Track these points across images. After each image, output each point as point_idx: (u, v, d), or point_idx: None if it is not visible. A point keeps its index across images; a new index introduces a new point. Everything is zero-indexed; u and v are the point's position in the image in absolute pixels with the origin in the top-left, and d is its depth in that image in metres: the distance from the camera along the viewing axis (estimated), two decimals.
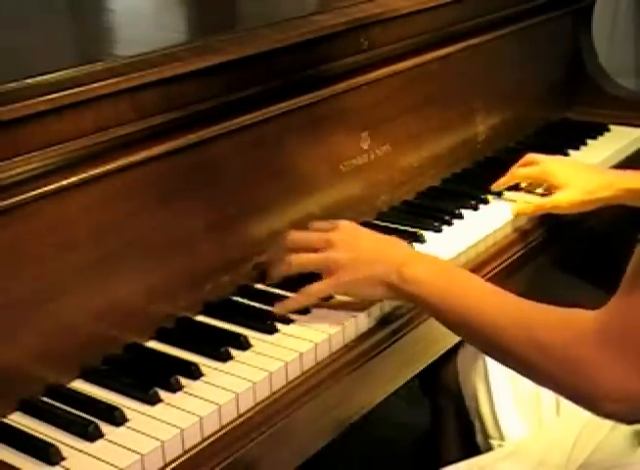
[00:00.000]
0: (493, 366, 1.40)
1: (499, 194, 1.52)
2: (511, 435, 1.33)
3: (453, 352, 1.42)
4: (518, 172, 1.51)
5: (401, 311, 1.20)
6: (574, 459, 1.18)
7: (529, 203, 1.47)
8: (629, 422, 0.96)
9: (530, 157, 1.52)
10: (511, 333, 0.97)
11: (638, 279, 0.90)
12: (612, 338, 0.89)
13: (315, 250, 1.14)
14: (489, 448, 1.36)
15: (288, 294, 1.20)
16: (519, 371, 1.01)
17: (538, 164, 1.49)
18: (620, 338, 0.89)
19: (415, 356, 1.24)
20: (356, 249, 1.12)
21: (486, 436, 1.37)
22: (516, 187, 1.54)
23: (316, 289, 1.13)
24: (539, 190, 1.53)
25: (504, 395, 1.34)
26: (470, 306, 1.02)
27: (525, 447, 1.26)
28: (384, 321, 1.18)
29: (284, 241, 1.18)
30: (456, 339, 1.28)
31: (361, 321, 1.15)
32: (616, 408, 0.90)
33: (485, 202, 1.50)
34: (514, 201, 1.49)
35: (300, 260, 1.14)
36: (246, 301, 1.21)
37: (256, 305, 1.19)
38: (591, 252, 1.57)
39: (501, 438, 1.34)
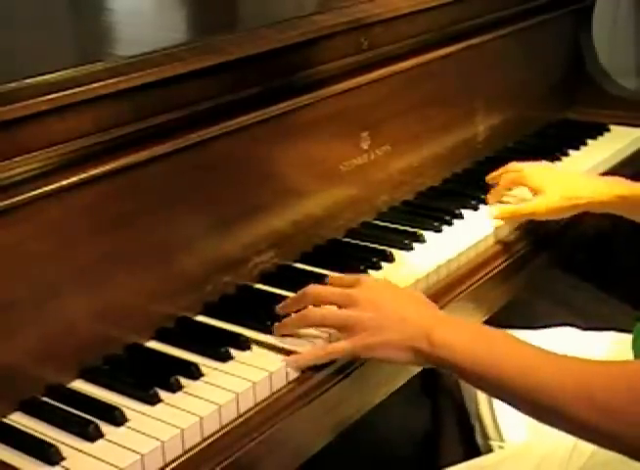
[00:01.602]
0: None
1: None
2: (511, 436, 1.33)
3: None
4: (505, 180, 1.47)
5: None
6: (575, 461, 1.18)
7: (507, 208, 1.44)
8: None
9: (511, 165, 1.49)
10: (564, 392, 0.91)
11: None
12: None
13: (337, 306, 1.08)
14: (489, 450, 1.36)
15: (288, 294, 1.20)
16: (573, 432, 0.95)
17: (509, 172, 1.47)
18: None
19: None
20: (381, 309, 1.04)
21: (486, 437, 1.37)
22: None
23: (338, 347, 1.06)
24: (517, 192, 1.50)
25: None
26: (510, 368, 0.96)
27: (525, 450, 1.26)
28: None
29: (303, 294, 1.11)
30: None
31: None
32: None
33: (486, 202, 1.50)
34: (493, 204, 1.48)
35: (321, 314, 1.07)
36: (246, 301, 1.21)
37: (256, 305, 1.19)
38: (591, 252, 1.57)
39: (501, 439, 1.35)
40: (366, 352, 1.05)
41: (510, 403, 1.00)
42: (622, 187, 1.37)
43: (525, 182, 1.44)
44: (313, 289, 1.10)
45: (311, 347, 1.08)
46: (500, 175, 1.49)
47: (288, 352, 1.08)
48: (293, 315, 1.11)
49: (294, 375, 1.06)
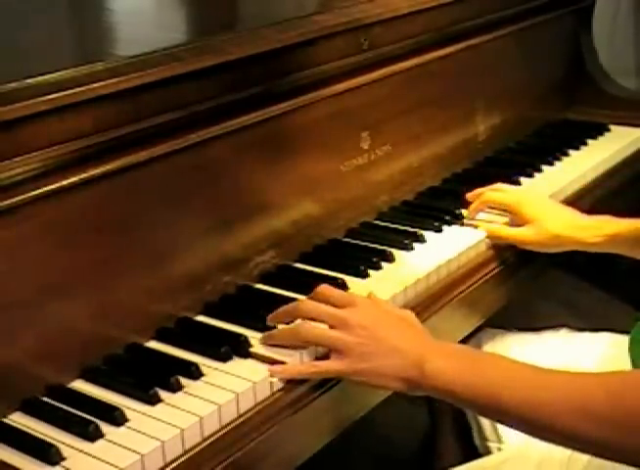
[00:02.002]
0: None
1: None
2: (509, 438, 1.33)
3: None
4: (491, 196, 1.44)
5: None
6: (574, 463, 1.18)
7: (495, 230, 1.41)
8: None
9: (499, 185, 1.47)
10: (562, 411, 0.92)
11: None
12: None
13: (329, 325, 1.06)
14: (488, 452, 1.36)
15: (288, 294, 1.20)
16: (570, 446, 0.96)
17: (508, 194, 1.44)
18: None
19: None
20: (373, 336, 1.03)
21: (484, 439, 1.37)
22: None
23: (325, 367, 1.05)
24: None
25: None
26: (506, 392, 0.96)
27: (524, 451, 1.26)
28: None
29: (295, 307, 1.10)
30: None
31: None
32: None
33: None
34: (489, 222, 1.44)
35: (313, 333, 1.06)
36: (246, 301, 1.21)
37: (257, 305, 1.19)
38: (591, 252, 1.56)
39: (499, 441, 1.34)
40: (354, 376, 1.04)
41: (507, 424, 1.00)
42: (612, 225, 1.34)
43: (518, 210, 1.40)
44: (306, 304, 1.09)
45: (300, 359, 1.07)
46: (480, 207, 1.46)
47: (288, 352, 1.07)
48: (282, 327, 1.10)
49: None
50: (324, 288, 1.11)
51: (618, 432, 0.89)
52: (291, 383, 1.05)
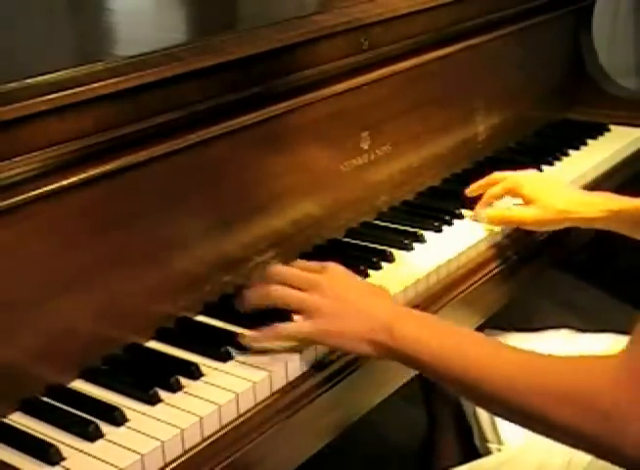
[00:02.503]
0: None
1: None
2: (509, 439, 1.33)
3: None
4: (491, 192, 1.44)
5: None
6: (574, 464, 1.18)
7: (496, 212, 1.42)
8: None
9: (496, 175, 1.46)
10: (522, 385, 0.91)
11: None
12: (636, 381, 0.85)
13: (300, 289, 1.07)
14: (488, 452, 1.36)
15: None
16: (530, 426, 0.95)
17: (505, 180, 1.43)
18: None
19: None
20: (343, 298, 1.04)
21: (484, 440, 1.37)
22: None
23: (294, 328, 1.05)
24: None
25: None
26: (471, 362, 0.96)
27: (524, 452, 1.26)
28: None
29: (268, 272, 1.11)
30: None
31: None
32: None
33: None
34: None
35: (282, 293, 1.07)
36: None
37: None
38: (591, 252, 1.57)
39: (499, 442, 1.34)
40: (322, 338, 1.04)
41: (469, 398, 1.01)
42: (613, 202, 1.35)
43: (518, 191, 1.40)
44: (278, 269, 1.11)
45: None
46: (484, 186, 1.46)
47: (288, 352, 1.07)
48: (252, 290, 1.11)
49: (294, 375, 1.06)
50: (297, 262, 1.14)
51: (578, 416, 0.88)
52: (290, 383, 1.05)
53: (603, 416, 0.86)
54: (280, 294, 1.07)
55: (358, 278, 1.13)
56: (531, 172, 1.49)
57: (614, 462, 0.89)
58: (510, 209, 1.43)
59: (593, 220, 1.36)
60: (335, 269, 1.10)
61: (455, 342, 0.99)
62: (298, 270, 1.10)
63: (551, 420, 0.89)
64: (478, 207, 1.45)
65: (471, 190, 1.48)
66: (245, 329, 1.12)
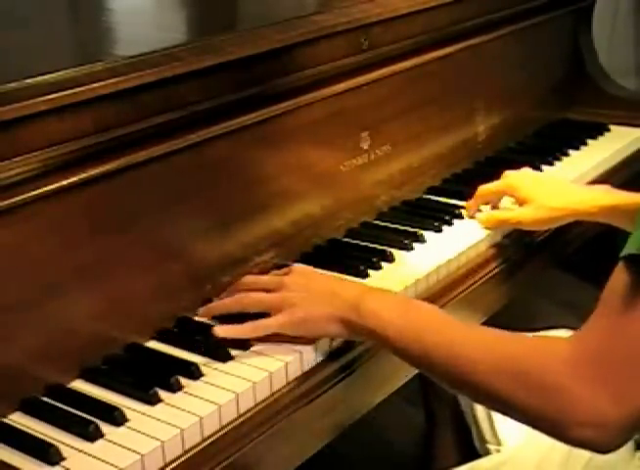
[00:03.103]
0: None
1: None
2: (507, 439, 1.33)
3: None
4: (483, 190, 1.44)
5: None
6: (572, 464, 1.18)
7: (493, 215, 1.42)
8: (602, 451, 0.89)
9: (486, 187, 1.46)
10: (480, 364, 0.93)
11: (613, 301, 0.87)
12: (585, 362, 0.86)
13: (268, 292, 1.11)
14: (487, 453, 1.36)
15: None
16: (487, 404, 0.98)
17: (499, 182, 1.44)
18: (594, 362, 0.86)
19: None
20: (308, 288, 1.08)
21: (483, 441, 1.37)
22: None
23: (264, 324, 1.08)
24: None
25: None
26: (433, 340, 0.98)
27: (523, 452, 1.26)
28: None
29: (237, 283, 1.16)
30: None
31: None
32: (589, 435, 0.86)
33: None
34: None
35: (251, 298, 1.10)
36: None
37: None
38: (591, 252, 1.57)
39: (498, 442, 1.34)
40: (294, 327, 1.06)
41: (431, 375, 1.01)
42: (610, 196, 1.35)
43: (512, 193, 1.41)
44: (247, 277, 1.15)
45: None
46: (478, 202, 1.46)
47: (288, 352, 1.07)
48: (221, 300, 1.14)
49: (294, 375, 1.06)
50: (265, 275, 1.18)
51: (529, 394, 0.89)
52: (290, 383, 1.05)
53: (550, 395, 0.87)
54: (249, 299, 1.11)
55: (321, 273, 1.17)
56: (525, 172, 1.48)
57: (561, 440, 0.90)
58: (506, 210, 1.43)
59: (588, 215, 1.36)
60: (298, 268, 1.15)
61: (419, 318, 1.02)
62: (265, 276, 1.15)
63: (507, 399, 0.91)
64: (470, 203, 1.46)
65: (469, 209, 1.47)
66: None
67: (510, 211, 1.41)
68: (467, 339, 0.97)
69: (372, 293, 1.07)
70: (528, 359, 0.91)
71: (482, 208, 1.47)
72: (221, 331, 1.08)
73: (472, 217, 1.45)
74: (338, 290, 1.07)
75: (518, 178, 1.42)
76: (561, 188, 1.40)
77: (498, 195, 1.45)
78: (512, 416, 0.95)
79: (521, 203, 1.40)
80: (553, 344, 0.92)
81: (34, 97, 0.96)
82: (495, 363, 0.92)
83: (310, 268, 1.17)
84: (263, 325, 1.08)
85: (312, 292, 1.08)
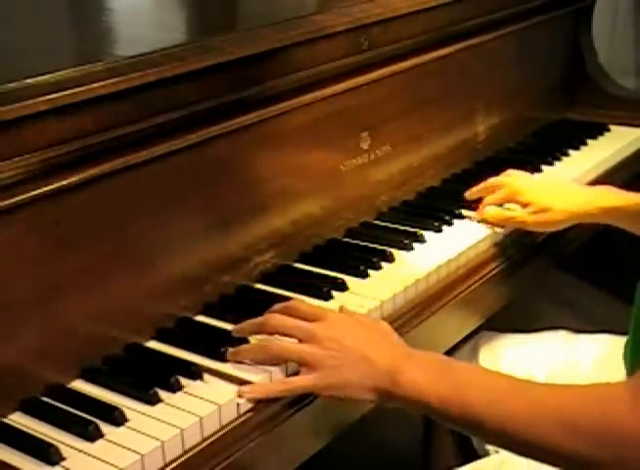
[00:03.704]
0: None
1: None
2: None
3: (447, 355, 1.41)
4: (489, 199, 1.44)
5: None
6: None
7: (498, 212, 1.42)
8: None
9: (493, 180, 1.47)
10: (536, 422, 0.90)
11: None
12: None
13: (298, 339, 1.04)
14: (487, 454, 1.35)
15: (288, 294, 1.20)
16: (547, 460, 0.93)
17: (504, 188, 1.44)
18: None
19: None
20: (343, 348, 1.00)
21: (483, 441, 1.36)
22: None
23: (295, 383, 1.02)
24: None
25: None
26: (479, 404, 0.93)
27: None
28: None
29: (264, 321, 1.07)
30: None
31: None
32: None
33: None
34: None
35: (282, 347, 1.03)
36: (245, 301, 1.21)
37: (256, 305, 1.18)
38: (591, 252, 1.57)
39: None
40: (327, 390, 1.01)
41: (482, 438, 0.99)
42: (612, 197, 1.36)
43: (516, 198, 1.42)
44: (274, 318, 1.06)
45: (269, 377, 1.04)
46: (482, 191, 1.47)
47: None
48: (251, 342, 1.08)
49: None
50: (295, 302, 1.09)
51: (593, 445, 0.87)
52: None
53: (618, 444, 0.86)
54: (277, 349, 1.04)
55: (357, 319, 1.08)
56: (527, 176, 1.49)
57: None
58: (511, 209, 1.44)
59: (590, 217, 1.37)
60: (333, 317, 1.06)
61: (460, 381, 0.97)
62: (295, 321, 1.05)
63: (564, 452, 0.89)
64: (473, 190, 1.47)
65: (470, 193, 1.48)
66: None
67: (516, 211, 1.42)
68: (516, 397, 0.93)
69: (408, 358, 1.00)
70: (586, 409, 0.89)
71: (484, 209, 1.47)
72: (247, 392, 1.01)
73: (471, 200, 1.47)
74: (371, 354, 1.00)
75: (522, 185, 1.43)
76: (563, 190, 1.41)
77: (504, 201, 1.45)
78: (568, 467, 0.92)
79: (524, 206, 1.41)
80: (609, 391, 0.91)
81: (34, 97, 0.96)
82: (552, 422, 0.89)
83: (343, 318, 1.07)
84: (295, 386, 1.02)
85: (345, 354, 1.00)
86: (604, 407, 0.88)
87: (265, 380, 1.03)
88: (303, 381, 1.01)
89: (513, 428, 0.91)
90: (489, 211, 1.43)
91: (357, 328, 1.05)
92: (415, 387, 0.97)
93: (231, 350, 1.06)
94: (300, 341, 1.03)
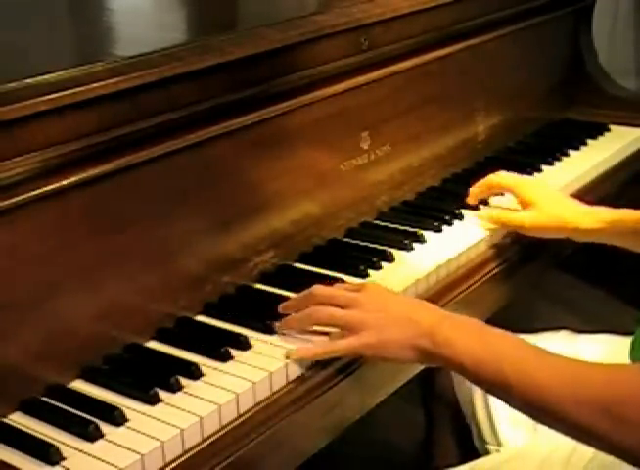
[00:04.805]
0: None
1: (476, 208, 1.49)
2: (507, 440, 1.33)
3: None
4: (491, 179, 1.46)
5: None
6: (575, 464, 1.18)
7: (496, 213, 1.43)
8: None
9: (493, 176, 1.48)
10: (558, 394, 0.92)
11: None
12: None
13: (340, 307, 1.08)
14: (487, 453, 1.36)
15: (288, 294, 1.20)
16: (569, 433, 0.95)
17: (508, 178, 1.46)
18: None
19: None
20: (384, 310, 1.06)
21: (483, 441, 1.37)
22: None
23: (342, 345, 1.06)
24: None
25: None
26: (512, 369, 0.96)
27: (524, 452, 1.26)
28: None
29: (309, 293, 1.12)
30: None
31: None
32: None
33: (486, 202, 1.50)
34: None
35: (325, 313, 1.08)
36: (245, 301, 1.21)
37: (256, 305, 1.19)
38: (591, 252, 1.57)
39: (498, 443, 1.34)
40: (369, 350, 1.05)
41: (510, 404, 1.00)
42: (610, 214, 1.35)
43: (517, 192, 1.42)
44: (319, 289, 1.11)
45: (312, 344, 1.09)
46: (483, 188, 1.47)
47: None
48: (295, 314, 1.12)
49: (294, 375, 1.06)
50: (336, 284, 1.16)
51: (610, 422, 0.88)
52: (290, 383, 1.05)
53: (634, 424, 0.87)
54: (322, 315, 1.08)
55: (397, 292, 1.16)
56: (532, 179, 1.50)
57: None
58: (509, 212, 1.44)
59: (590, 232, 1.36)
60: (372, 286, 1.12)
61: (495, 346, 1.00)
62: (338, 290, 1.12)
63: (587, 429, 0.90)
64: (472, 191, 1.47)
65: (471, 196, 1.48)
66: (245, 329, 1.12)
67: (513, 214, 1.42)
68: (547, 369, 0.95)
69: (448, 320, 1.05)
70: (610, 391, 0.90)
71: (483, 208, 1.48)
72: (298, 355, 1.06)
73: (472, 204, 1.47)
74: (413, 315, 1.05)
75: (526, 182, 1.44)
76: (566, 201, 1.41)
77: (504, 189, 1.46)
78: (592, 445, 0.95)
79: (524, 206, 1.41)
80: (628, 372, 0.93)
81: (34, 97, 0.96)
82: (577, 394, 0.91)
83: (382, 287, 1.14)
84: (337, 347, 1.06)
85: (387, 315, 1.05)
86: (625, 392, 0.89)
87: (266, 381, 1.03)
88: (349, 341, 1.05)
89: (537, 397, 0.94)
90: (486, 214, 1.43)
91: (396, 294, 1.14)
92: (451, 347, 1.00)
93: (279, 322, 1.11)
94: (345, 309, 1.07)
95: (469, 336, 1.02)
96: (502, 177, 1.46)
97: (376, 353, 1.05)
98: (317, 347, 1.08)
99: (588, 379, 0.93)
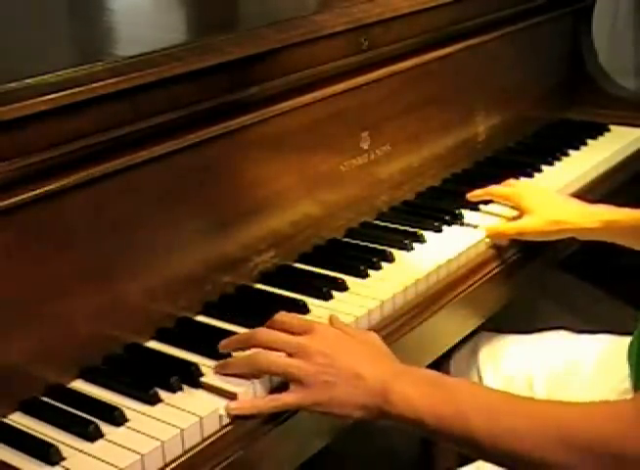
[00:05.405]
0: (487, 371, 1.40)
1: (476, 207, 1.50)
2: None
3: (446, 356, 1.42)
4: (492, 190, 1.47)
5: None
6: None
7: (494, 227, 1.42)
8: None
9: (510, 181, 1.50)
10: (541, 441, 0.87)
11: None
12: None
13: (286, 353, 1.00)
14: None
15: (288, 294, 1.20)
16: None
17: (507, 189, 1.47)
18: None
19: None
20: (331, 364, 0.98)
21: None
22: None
23: (284, 400, 0.99)
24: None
25: None
26: (477, 420, 0.91)
27: None
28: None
29: (251, 335, 1.04)
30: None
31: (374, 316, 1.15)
32: None
33: (486, 202, 1.50)
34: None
35: (270, 361, 1.00)
36: (245, 301, 1.21)
37: (256, 305, 1.19)
38: (591, 252, 1.57)
39: None
40: (316, 407, 0.98)
41: (482, 458, 0.96)
42: (608, 213, 1.36)
43: (516, 201, 1.43)
44: (262, 333, 1.03)
45: (252, 389, 1.01)
46: (485, 196, 1.48)
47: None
48: (237, 354, 1.06)
49: None
50: (282, 315, 1.06)
51: (593, 462, 0.85)
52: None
53: (619, 461, 0.84)
54: (267, 362, 1.00)
55: (346, 332, 1.05)
56: (531, 184, 1.49)
57: None
58: (506, 222, 1.43)
59: (590, 231, 1.36)
60: (321, 329, 1.03)
61: (453, 398, 0.94)
62: (284, 335, 1.02)
63: (563, 469, 0.87)
64: (474, 194, 1.48)
65: (472, 195, 1.49)
66: (245, 329, 1.12)
67: (511, 223, 1.42)
68: (515, 413, 0.91)
69: (399, 374, 0.97)
70: (590, 427, 0.87)
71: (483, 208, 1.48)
72: (233, 408, 0.99)
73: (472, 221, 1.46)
74: (363, 372, 0.97)
75: (526, 189, 1.44)
76: (564, 202, 1.42)
77: (504, 199, 1.47)
78: None
79: (522, 213, 1.41)
80: (614, 408, 0.89)
81: (34, 97, 0.96)
82: (552, 435, 0.87)
83: (332, 332, 1.04)
84: (283, 402, 0.99)
85: (335, 370, 0.97)
86: (607, 425, 0.86)
87: (265, 381, 1.03)
88: (292, 398, 0.99)
89: (510, 444, 0.89)
90: (485, 229, 1.41)
91: (347, 342, 1.02)
92: (409, 404, 0.94)
93: (217, 363, 1.04)
94: (289, 355, 1.00)
95: (425, 390, 0.95)
96: (494, 192, 1.47)
97: (325, 411, 0.98)
98: (259, 400, 1.00)
99: (573, 421, 0.88)
